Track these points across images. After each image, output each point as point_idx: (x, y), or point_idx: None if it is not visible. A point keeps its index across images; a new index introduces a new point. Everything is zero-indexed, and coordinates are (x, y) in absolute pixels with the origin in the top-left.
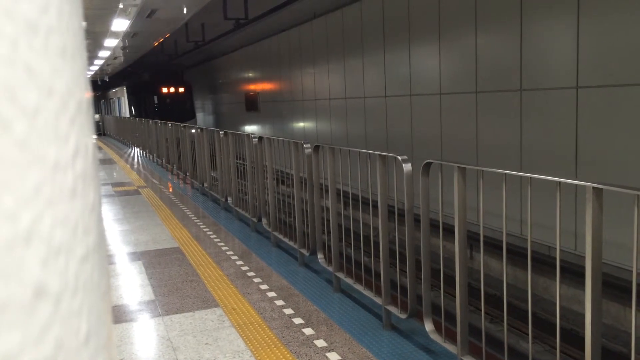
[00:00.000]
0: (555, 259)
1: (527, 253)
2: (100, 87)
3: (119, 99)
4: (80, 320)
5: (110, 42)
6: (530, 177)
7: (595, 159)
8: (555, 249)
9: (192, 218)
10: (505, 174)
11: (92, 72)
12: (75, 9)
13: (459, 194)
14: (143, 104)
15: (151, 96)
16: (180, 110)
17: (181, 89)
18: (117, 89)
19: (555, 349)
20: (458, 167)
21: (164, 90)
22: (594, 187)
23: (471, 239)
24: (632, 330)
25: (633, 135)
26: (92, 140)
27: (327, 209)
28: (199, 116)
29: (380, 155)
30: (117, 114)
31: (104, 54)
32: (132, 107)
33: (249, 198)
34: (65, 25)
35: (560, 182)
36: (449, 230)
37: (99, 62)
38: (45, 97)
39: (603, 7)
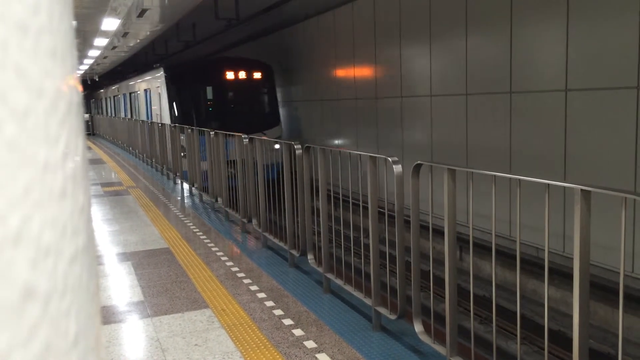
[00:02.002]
0: (544, 260)
1: (516, 254)
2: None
3: (146, 92)
4: (69, 322)
5: (100, 42)
6: (520, 179)
7: (583, 161)
8: (544, 250)
9: (182, 218)
10: (495, 175)
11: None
12: (66, 9)
13: (448, 196)
14: (194, 100)
15: (201, 87)
16: (254, 112)
17: (257, 74)
18: (144, 77)
19: (544, 350)
20: (448, 168)
21: (229, 76)
22: (582, 190)
23: (461, 241)
24: (619, 332)
25: (621, 138)
26: (83, 141)
27: (318, 209)
28: None
29: (370, 156)
30: (137, 117)
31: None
32: (176, 106)
33: (240, 199)
34: (55, 25)
35: (549, 185)
36: (438, 232)
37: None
38: (36, 98)
39: (592, 12)
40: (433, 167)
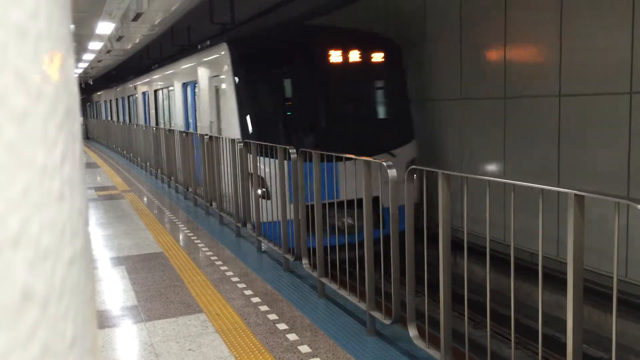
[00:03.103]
0: (537, 265)
1: (510, 259)
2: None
3: (185, 87)
4: (67, 324)
5: (95, 46)
6: (514, 184)
7: (577, 166)
8: (538, 255)
9: (176, 223)
10: (489, 180)
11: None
12: (64, 14)
13: (443, 201)
14: (286, 98)
15: (304, 76)
16: (378, 121)
17: (378, 56)
18: (184, 64)
19: (538, 354)
20: (442, 173)
21: (333, 57)
22: (575, 194)
23: (455, 245)
24: (612, 336)
25: (614, 143)
26: (80, 145)
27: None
28: None
29: (365, 161)
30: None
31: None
32: (251, 110)
33: (234, 203)
34: (54, 30)
35: (543, 189)
36: (434, 237)
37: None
38: (34, 101)
39: (586, 16)
40: (428, 172)
